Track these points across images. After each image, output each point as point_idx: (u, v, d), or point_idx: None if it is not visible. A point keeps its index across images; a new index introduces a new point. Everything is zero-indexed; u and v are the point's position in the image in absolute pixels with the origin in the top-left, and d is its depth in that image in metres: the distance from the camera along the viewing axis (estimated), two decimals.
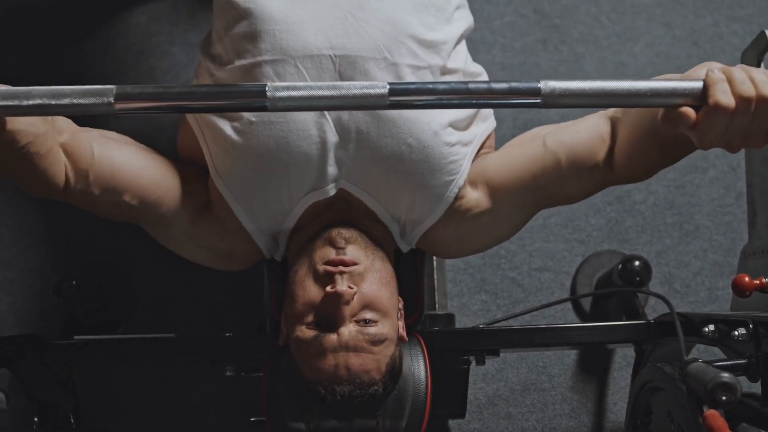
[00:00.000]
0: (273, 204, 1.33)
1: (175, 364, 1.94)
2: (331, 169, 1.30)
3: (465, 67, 1.40)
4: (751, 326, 1.22)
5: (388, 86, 0.98)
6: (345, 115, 1.27)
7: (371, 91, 0.98)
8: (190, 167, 1.36)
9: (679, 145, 1.17)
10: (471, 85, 0.99)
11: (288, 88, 0.98)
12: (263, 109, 0.98)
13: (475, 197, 1.35)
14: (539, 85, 0.97)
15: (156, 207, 1.31)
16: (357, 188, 1.33)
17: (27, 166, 1.17)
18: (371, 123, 1.27)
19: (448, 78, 1.35)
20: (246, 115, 1.26)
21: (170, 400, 1.96)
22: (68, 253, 2.01)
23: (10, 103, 0.99)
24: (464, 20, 1.43)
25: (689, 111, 0.98)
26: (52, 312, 1.96)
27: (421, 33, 1.31)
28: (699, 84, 0.98)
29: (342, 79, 1.27)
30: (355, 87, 0.98)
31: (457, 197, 1.35)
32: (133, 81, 2.09)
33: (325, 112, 1.26)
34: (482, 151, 1.40)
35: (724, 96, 0.97)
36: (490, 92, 0.99)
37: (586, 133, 1.31)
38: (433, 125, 1.29)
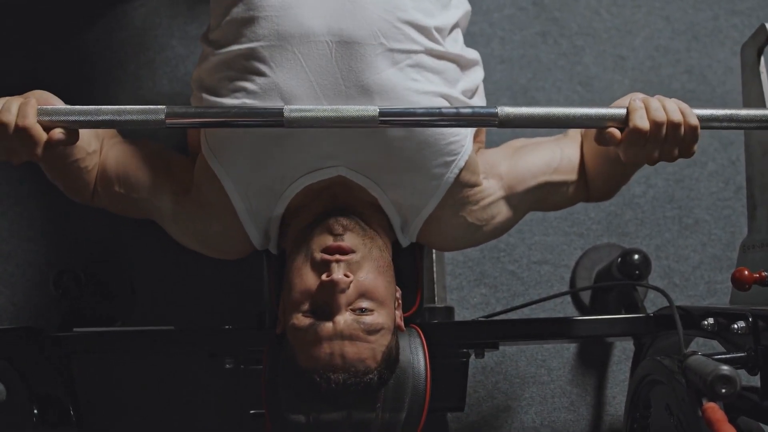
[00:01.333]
0: (266, 181, 1.33)
1: (175, 356, 1.94)
2: (330, 149, 1.30)
3: (462, 52, 1.40)
4: (750, 319, 1.22)
5: (378, 109, 1.18)
6: (342, 94, 1.28)
7: (364, 113, 1.19)
8: (174, 153, 1.45)
9: (620, 161, 1.31)
10: (443, 110, 1.22)
11: (300, 110, 1.18)
12: (281, 125, 1.18)
13: (489, 186, 1.39)
14: (496, 110, 1.20)
15: (139, 191, 1.40)
16: (358, 174, 1.33)
17: (73, 177, 1.37)
18: (368, 102, 1.27)
19: (444, 63, 1.35)
20: (246, 85, 1.28)
21: (169, 392, 1.96)
22: (67, 246, 2.01)
23: (82, 118, 1.18)
24: (461, 6, 1.44)
25: (615, 131, 1.21)
26: (51, 305, 1.96)
27: (419, 18, 1.31)
28: (623, 111, 1.21)
29: (338, 65, 1.27)
30: (352, 110, 1.19)
31: (465, 186, 1.35)
32: (132, 73, 2.09)
33: (317, 88, 1.27)
34: (478, 138, 1.42)
35: (641, 121, 1.19)
36: (458, 116, 1.21)
37: (577, 150, 1.46)
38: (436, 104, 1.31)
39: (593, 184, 1.45)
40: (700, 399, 1.10)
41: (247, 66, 1.29)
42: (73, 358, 1.58)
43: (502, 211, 1.41)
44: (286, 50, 1.28)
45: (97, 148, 1.39)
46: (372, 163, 1.32)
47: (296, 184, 1.33)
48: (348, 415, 1.24)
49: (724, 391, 1.04)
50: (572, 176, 1.44)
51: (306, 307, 1.23)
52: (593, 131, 1.26)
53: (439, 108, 1.22)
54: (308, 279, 1.24)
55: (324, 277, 1.21)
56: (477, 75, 1.45)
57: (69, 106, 1.19)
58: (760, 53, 1.39)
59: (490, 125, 1.21)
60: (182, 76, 2.10)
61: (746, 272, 1.24)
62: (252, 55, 1.29)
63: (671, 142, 1.21)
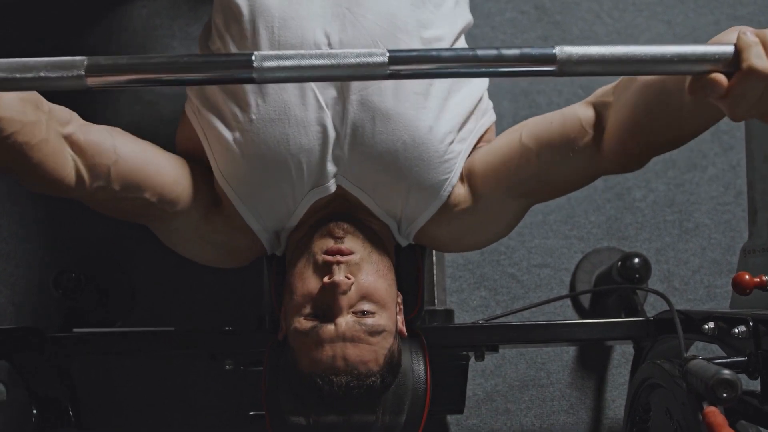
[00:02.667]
0: (277, 203, 1.32)
1: (175, 358, 1.94)
2: (330, 166, 1.30)
3: None
4: (751, 324, 1.21)
5: (387, 54, 0.89)
6: (342, 109, 1.27)
7: (369, 59, 0.89)
8: (197, 164, 1.34)
9: (693, 121, 1.11)
10: (479, 52, 0.90)
11: (277, 57, 0.89)
12: (250, 80, 0.90)
13: (462, 192, 1.35)
14: (554, 51, 0.89)
15: (174, 204, 1.29)
16: (352, 186, 1.32)
17: (16, 158, 1.11)
18: (366, 119, 1.26)
19: None
20: (246, 113, 1.26)
21: (169, 394, 1.96)
22: (67, 246, 2.01)
23: None
24: (463, 17, 1.43)
25: (721, 78, 0.90)
26: (51, 305, 1.96)
27: (419, 29, 1.31)
28: (730, 48, 0.90)
29: (340, 82, 1.26)
30: (351, 55, 0.89)
31: (458, 197, 1.34)
32: None
33: (325, 107, 1.26)
34: (479, 144, 1.40)
35: (759, 60, 0.89)
36: (500, 59, 0.89)
37: (561, 123, 1.26)
38: (429, 121, 1.28)
39: (618, 151, 1.22)
40: (700, 403, 1.10)
41: None
42: (72, 359, 1.58)
43: (487, 215, 1.36)
44: None
45: (38, 120, 1.12)
46: (367, 178, 1.32)
47: (306, 201, 1.33)
48: (348, 418, 1.24)
49: (725, 395, 1.04)
50: (575, 136, 1.24)
51: (308, 310, 1.22)
52: (632, 79, 1.05)
53: (473, 49, 0.91)
54: (310, 282, 1.24)
55: (325, 279, 1.21)
56: (482, 81, 1.43)
57: None
58: None
59: (546, 74, 0.91)
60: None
61: (747, 277, 1.24)
62: None
63: None
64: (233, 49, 1.30)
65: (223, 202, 1.34)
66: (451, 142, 1.31)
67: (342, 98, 1.26)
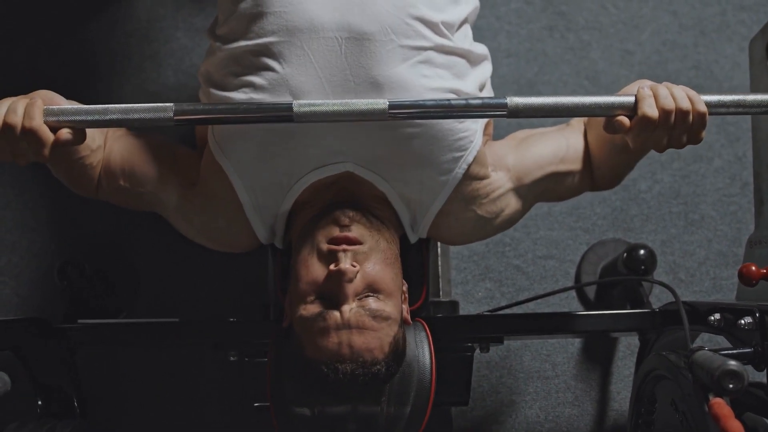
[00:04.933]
0: (273, 180, 1.33)
1: (179, 348, 1.94)
2: (337, 145, 1.30)
3: (471, 47, 1.39)
4: (757, 315, 1.21)
5: (387, 102, 1.19)
6: (351, 90, 1.27)
7: (374, 107, 1.19)
8: (179, 147, 1.44)
9: (627, 149, 1.33)
10: (453, 102, 1.22)
11: (309, 105, 1.18)
12: (290, 120, 1.19)
13: (498, 179, 1.39)
14: (506, 101, 1.19)
15: (145, 184, 1.39)
16: (365, 170, 1.32)
17: (77, 173, 1.37)
18: (378, 97, 1.26)
19: (453, 58, 1.34)
20: (254, 80, 1.28)
21: (173, 385, 1.97)
22: (72, 237, 2.01)
23: (90, 118, 1.18)
24: (470, 2, 1.43)
25: (624, 119, 1.21)
26: (56, 296, 1.96)
27: (428, 14, 1.30)
28: (632, 99, 1.21)
29: (347, 61, 1.26)
30: (362, 104, 1.19)
31: (474, 179, 1.35)
32: (137, 66, 2.08)
33: (325, 84, 1.26)
34: (487, 131, 1.42)
35: (650, 109, 1.19)
36: (467, 107, 1.21)
37: (581, 140, 1.46)
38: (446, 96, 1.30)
39: (599, 172, 1.45)
40: (706, 394, 1.10)
41: (255, 62, 1.29)
42: (77, 350, 1.58)
43: (511, 203, 1.41)
44: (294, 46, 1.27)
45: (102, 144, 1.39)
46: (380, 159, 1.31)
47: (304, 180, 1.33)
48: (353, 409, 1.24)
49: (731, 386, 1.03)
50: (578, 165, 1.43)
51: (313, 297, 1.22)
52: (599, 119, 1.26)
53: (449, 100, 1.22)
54: (315, 270, 1.24)
55: (331, 267, 1.21)
56: (486, 70, 1.44)
57: (75, 106, 1.19)
58: None
59: (500, 116, 1.21)
60: (187, 68, 2.10)
61: (753, 268, 1.23)
62: (260, 50, 1.28)
63: (680, 129, 1.21)
64: (239, 34, 1.31)
65: (212, 178, 1.36)
66: (464, 121, 1.32)
67: (351, 86, 1.27)
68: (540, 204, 1.49)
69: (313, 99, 1.26)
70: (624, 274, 1.88)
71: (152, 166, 1.39)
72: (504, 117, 1.20)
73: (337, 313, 1.19)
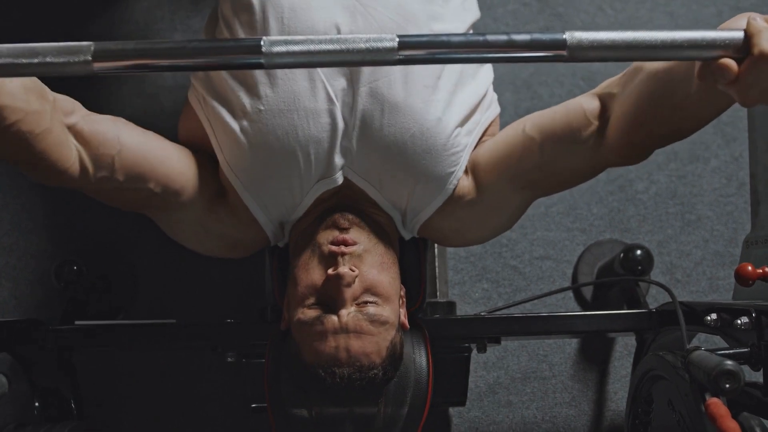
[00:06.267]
0: (283, 194, 1.32)
1: (176, 350, 1.95)
2: (338, 158, 1.29)
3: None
4: (754, 315, 1.21)
5: (397, 39, 0.89)
6: (352, 100, 1.26)
7: (379, 44, 0.89)
8: (202, 154, 1.33)
9: (698, 111, 1.11)
10: (489, 37, 0.90)
11: (286, 42, 0.88)
12: (259, 66, 0.89)
13: (467, 185, 1.35)
14: (564, 36, 0.89)
15: (178, 194, 1.28)
16: (359, 178, 1.32)
17: (19, 148, 1.09)
18: (375, 110, 1.26)
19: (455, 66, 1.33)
20: (255, 103, 1.25)
21: (171, 386, 1.97)
22: (69, 238, 2.01)
23: None
24: (471, 11, 1.43)
25: (731, 63, 0.90)
26: (53, 297, 1.96)
27: (429, 23, 1.31)
28: (740, 34, 0.90)
29: (350, 72, 1.26)
30: (361, 40, 0.89)
31: (463, 191, 1.34)
32: None
33: (334, 98, 1.25)
34: (483, 138, 1.40)
35: None
36: (510, 45, 0.89)
37: (565, 114, 1.27)
38: (437, 113, 1.28)
39: (622, 144, 1.21)
40: (703, 394, 1.10)
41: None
42: (74, 351, 1.58)
43: (490, 208, 1.36)
44: None
45: (43, 109, 1.09)
46: (373, 168, 1.31)
47: (313, 191, 1.33)
48: (350, 410, 1.24)
49: (728, 386, 1.04)
50: (579, 126, 1.24)
51: (311, 301, 1.22)
52: (638, 70, 1.05)
53: (484, 35, 0.91)
54: (314, 274, 1.24)
55: (330, 271, 1.21)
56: (488, 75, 1.43)
57: None
58: None
59: (556, 59, 0.91)
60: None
61: (750, 268, 1.24)
62: None
63: None
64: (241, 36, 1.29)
65: (228, 192, 1.33)
66: (458, 135, 1.31)
67: (351, 89, 1.26)
68: (537, 205, 1.48)
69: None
70: (621, 275, 1.88)
71: (190, 175, 1.29)
72: (562, 61, 0.91)
73: (334, 317, 1.19)
